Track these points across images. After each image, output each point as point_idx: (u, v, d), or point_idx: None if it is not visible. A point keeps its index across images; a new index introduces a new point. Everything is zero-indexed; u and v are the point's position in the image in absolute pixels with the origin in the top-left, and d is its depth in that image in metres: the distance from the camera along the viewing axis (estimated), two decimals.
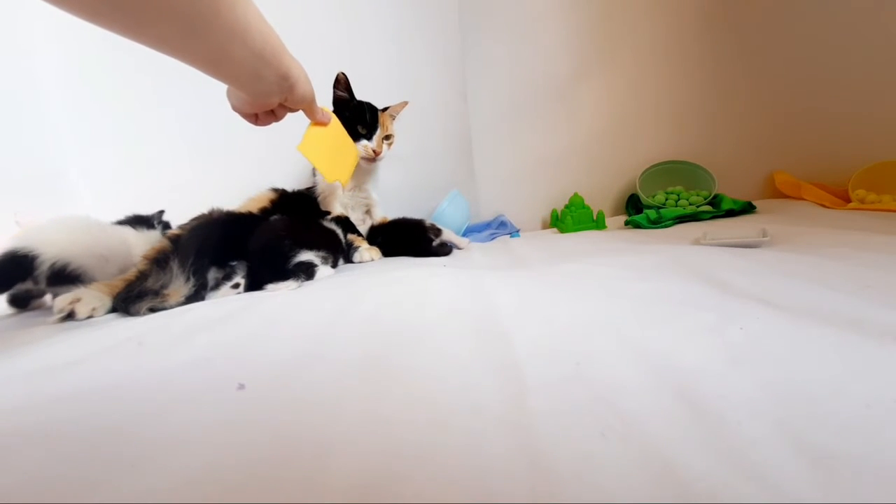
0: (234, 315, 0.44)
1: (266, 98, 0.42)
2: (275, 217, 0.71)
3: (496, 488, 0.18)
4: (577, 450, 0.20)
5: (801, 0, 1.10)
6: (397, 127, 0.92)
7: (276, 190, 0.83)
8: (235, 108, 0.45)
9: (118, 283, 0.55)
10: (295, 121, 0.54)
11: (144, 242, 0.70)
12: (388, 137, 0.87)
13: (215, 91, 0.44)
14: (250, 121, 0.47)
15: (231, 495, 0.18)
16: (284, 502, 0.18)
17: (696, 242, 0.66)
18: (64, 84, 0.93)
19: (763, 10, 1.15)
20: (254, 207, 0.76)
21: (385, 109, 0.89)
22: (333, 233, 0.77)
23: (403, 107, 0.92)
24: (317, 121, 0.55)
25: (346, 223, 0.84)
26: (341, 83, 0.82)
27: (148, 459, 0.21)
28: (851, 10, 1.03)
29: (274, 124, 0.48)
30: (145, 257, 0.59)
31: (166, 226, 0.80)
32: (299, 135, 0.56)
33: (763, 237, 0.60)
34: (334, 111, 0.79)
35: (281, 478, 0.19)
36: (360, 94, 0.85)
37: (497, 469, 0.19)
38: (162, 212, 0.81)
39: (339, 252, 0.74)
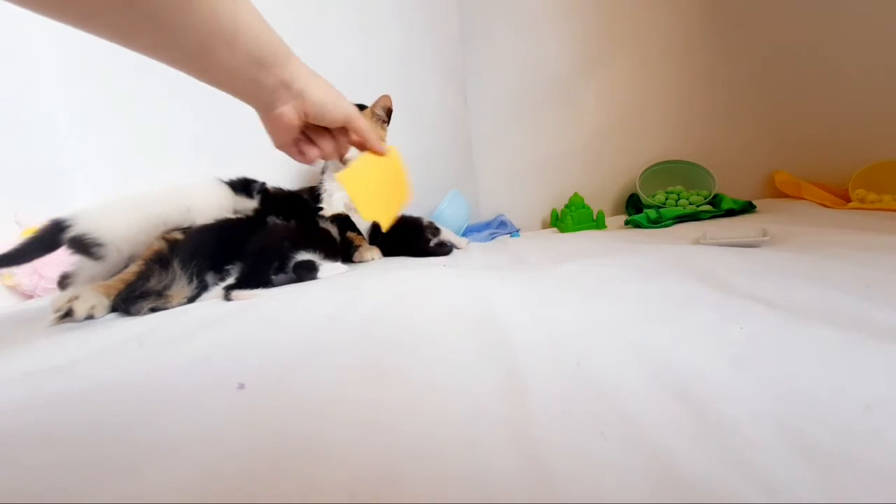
0: (233, 315, 0.44)
1: (272, 109, 0.39)
2: (274, 222, 0.71)
3: (496, 488, 0.18)
4: (576, 449, 0.20)
5: (801, 0, 1.10)
6: (395, 128, 0.90)
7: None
8: (276, 144, 0.43)
9: (116, 284, 0.55)
10: None
11: (235, 205, 0.74)
12: None
13: (218, 91, 0.43)
14: (293, 154, 0.45)
15: (231, 495, 0.18)
16: (284, 502, 0.18)
17: (696, 242, 0.66)
18: (65, 83, 0.93)
19: (763, 10, 1.15)
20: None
21: (364, 108, 0.85)
22: (328, 233, 0.76)
23: (387, 101, 0.87)
24: (373, 150, 0.50)
25: (345, 221, 0.83)
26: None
27: (148, 460, 0.21)
28: (851, 9, 1.03)
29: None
30: (142, 258, 0.59)
31: (265, 195, 0.79)
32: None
33: (763, 237, 0.60)
34: None
35: (281, 478, 0.19)
36: (359, 95, 0.85)
37: (496, 469, 0.19)
38: (264, 183, 0.80)
39: (335, 253, 0.73)
